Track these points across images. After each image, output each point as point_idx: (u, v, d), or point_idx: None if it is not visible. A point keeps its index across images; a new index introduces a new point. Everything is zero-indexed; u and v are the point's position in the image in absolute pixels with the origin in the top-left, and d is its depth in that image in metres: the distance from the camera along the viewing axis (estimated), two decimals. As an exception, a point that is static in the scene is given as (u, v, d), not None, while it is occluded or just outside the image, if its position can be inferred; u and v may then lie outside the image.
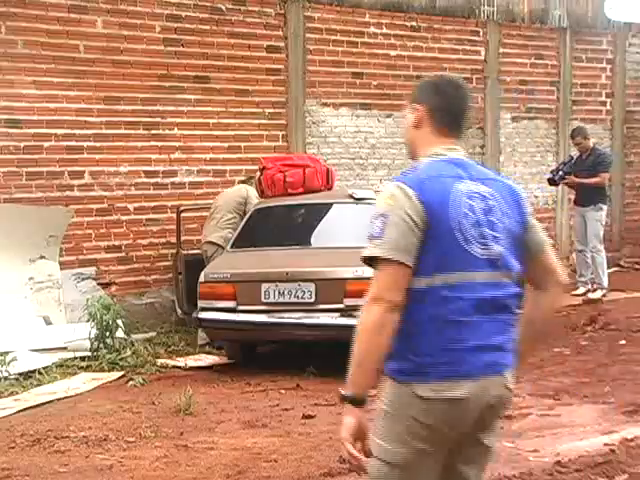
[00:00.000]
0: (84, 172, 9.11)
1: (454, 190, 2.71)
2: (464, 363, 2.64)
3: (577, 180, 10.68)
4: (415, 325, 2.63)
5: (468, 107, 2.98)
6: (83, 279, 8.96)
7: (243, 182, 9.24)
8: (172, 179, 9.67)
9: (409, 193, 2.67)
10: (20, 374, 7.19)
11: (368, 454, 2.62)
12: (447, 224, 2.67)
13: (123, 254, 9.39)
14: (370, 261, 2.72)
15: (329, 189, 8.78)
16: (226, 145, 9.91)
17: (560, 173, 10.80)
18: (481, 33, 12.29)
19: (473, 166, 2.87)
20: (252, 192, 8.80)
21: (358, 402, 2.61)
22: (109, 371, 7.48)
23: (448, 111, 2.91)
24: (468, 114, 2.98)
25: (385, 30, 11.36)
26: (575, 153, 11.13)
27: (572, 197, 11.48)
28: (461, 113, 2.96)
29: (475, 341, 2.66)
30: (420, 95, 2.92)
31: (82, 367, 7.53)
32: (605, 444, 5.25)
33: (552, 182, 11.08)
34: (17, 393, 6.87)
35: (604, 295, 10.85)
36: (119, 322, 7.86)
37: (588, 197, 10.75)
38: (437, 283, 2.65)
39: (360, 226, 8.11)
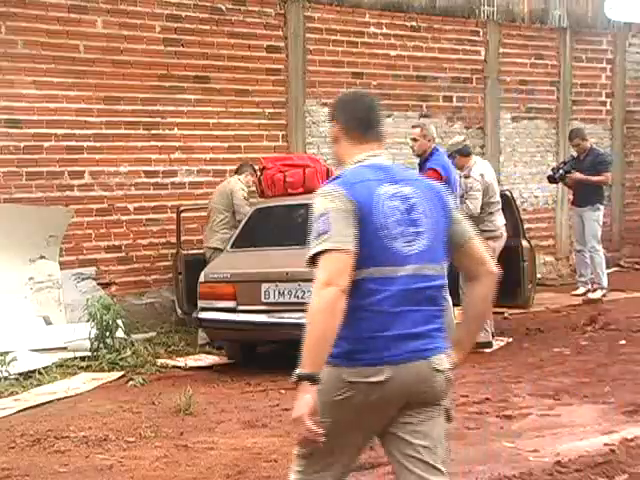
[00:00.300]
0: (84, 172, 9.11)
1: (377, 193, 2.97)
2: (388, 351, 2.88)
3: (581, 176, 10.58)
4: (345, 315, 2.83)
5: (377, 114, 3.20)
6: (83, 279, 8.96)
7: (236, 171, 9.17)
8: (172, 179, 9.68)
9: (342, 193, 2.94)
10: (20, 374, 7.19)
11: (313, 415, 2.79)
12: (372, 224, 2.93)
13: (123, 254, 9.39)
14: (316, 257, 2.89)
15: (329, 189, 8.76)
16: (226, 145, 9.91)
17: (561, 172, 10.82)
18: (481, 33, 12.29)
19: (394, 169, 3.12)
20: (237, 185, 8.78)
21: (314, 380, 2.77)
22: (109, 371, 7.48)
23: (359, 122, 3.15)
24: (379, 120, 3.20)
25: (385, 30, 11.36)
26: (575, 153, 11.14)
27: (572, 197, 11.49)
28: (371, 121, 3.17)
29: (399, 330, 2.90)
30: (334, 113, 3.23)
31: (82, 367, 7.54)
32: (605, 444, 5.24)
33: (552, 180, 11.10)
34: (17, 393, 6.87)
35: (604, 295, 10.85)
36: (119, 322, 7.86)
37: (585, 197, 10.76)
38: (363, 276, 2.90)
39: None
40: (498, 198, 8.45)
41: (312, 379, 2.76)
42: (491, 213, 8.36)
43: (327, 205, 2.93)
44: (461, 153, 8.44)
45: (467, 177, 8.33)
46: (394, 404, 2.93)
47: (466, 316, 3.22)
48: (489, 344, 8.35)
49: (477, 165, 8.49)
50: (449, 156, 8.42)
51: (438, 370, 2.96)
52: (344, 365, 2.89)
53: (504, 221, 8.44)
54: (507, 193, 9.05)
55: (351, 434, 2.98)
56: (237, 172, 9.13)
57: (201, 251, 8.91)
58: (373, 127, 3.17)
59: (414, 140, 8.07)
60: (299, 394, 2.76)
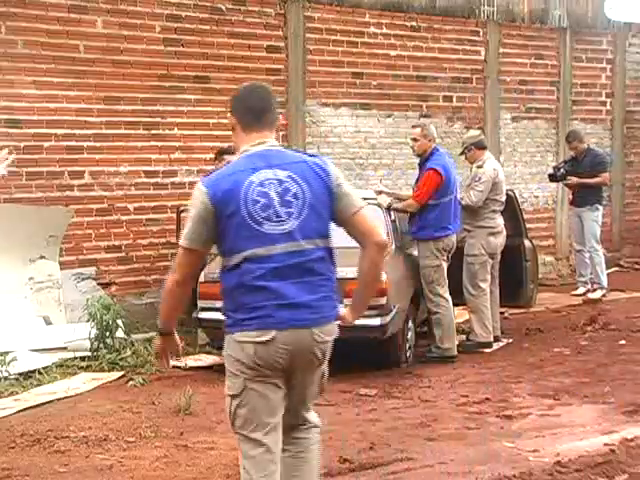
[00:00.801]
0: (84, 172, 9.10)
1: (247, 182, 3.41)
2: (272, 318, 3.38)
3: (579, 180, 10.68)
4: (230, 291, 3.45)
5: (267, 104, 3.61)
6: (83, 279, 8.95)
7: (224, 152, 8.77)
8: (172, 179, 9.67)
9: (203, 191, 3.43)
10: (20, 374, 7.19)
11: (176, 354, 3.85)
12: (238, 213, 3.38)
13: (123, 254, 9.39)
14: None
15: (329, 189, 8.75)
16: (226, 145, 9.90)
17: (562, 171, 10.85)
18: (481, 33, 12.29)
19: (274, 155, 3.51)
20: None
21: (164, 332, 3.74)
22: (109, 371, 7.47)
23: (249, 111, 3.56)
24: (269, 110, 3.60)
25: (385, 30, 11.36)
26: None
27: (571, 197, 11.49)
28: (261, 110, 3.57)
29: (280, 301, 3.38)
30: (231, 105, 3.65)
31: (82, 367, 7.53)
32: (605, 444, 5.25)
33: (553, 178, 11.14)
34: (17, 393, 6.86)
35: (604, 295, 10.86)
36: (119, 322, 7.85)
37: (584, 198, 10.80)
38: (241, 259, 3.40)
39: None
40: (503, 199, 8.47)
41: (161, 332, 3.75)
42: (494, 211, 8.37)
43: (191, 204, 3.49)
44: (477, 146, 8.49)
45: (480, 167, 8.36)
46: (281, 362, 3.42)
47: (359, 282, 3.65)
48: (489, 344, 8.37)
49: (491, 160, 8.53)
50: (465, 148, 8.49)
51: (319, 339, 3.46)
52: (236, 332, 3.44)
53: (503, 222, 8.46)
54: (510, 193, 9.06)
55: (261, 389, 3.45)
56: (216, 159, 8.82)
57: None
58: (262, 116, 3.56)
59: (414, 140, 8.10)
60: (158, 337, 3.79)
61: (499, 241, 8.38)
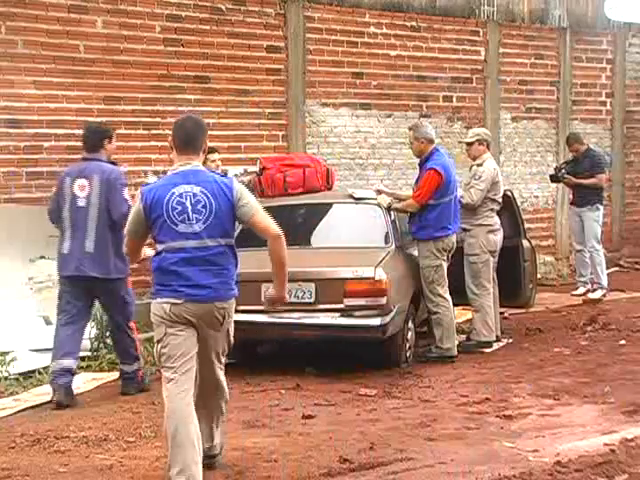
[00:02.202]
0: (84, 172, 9.09)
1: (170, 193, 4.63)
2: (183, 292, 4.60)
3: (575, 180, 10.78)
4: (154, 270, 4.70)
5: (194, 134, 4.81)
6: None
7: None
8: (172, 179, 9.66)
9: (140, 197, 4.70)
10: (20, 374, 7.19)
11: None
12: (162, 216, 4.61)
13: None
14: None
15: (329, 189, 8.77)
16: (226, 145, 9.89)
17: (563, 171, 10.88)
18: (481, 33, 12.30)
19: (192, 174, 4.72)
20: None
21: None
22: (109, 371, 7.48)
23: (180, 138, 4.80)
24: (196, 138, 4.80)
25: (385, 30, 11.36)
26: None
27: (571, 197, 11.50)
28: (188, 139, 4.79)
29: (189, 282, 4.60)
30: (172, 131, 4.90)
31: (82, 367, 7.53)
32: (605, 444, 5.24)
33: (554, 179, 11.17)
34: (17, 393, 6.87)
35: (604, 295, 10.86)
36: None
37: (585, 198, 10.83)
38: (163, 248, 4.65)
39: (360, 226, 8.18)
40: (500, 199, 8.47)
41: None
42: (492, 210, 8.37)
43: (133, 205, 4.90)
44: (481, 143, 8.47)
45: (479, 165, 8.34)
46: (189, 319, 4.61)
47: (272, 265, 4.78)
48: (490, 343, 8.37)
49: (490, 159, 8.53)
50: (477, 141, 8.46)
51: (219, 306, 4.67)
52: (158, 297, 4.65)
53: (499, 221, 8.46)
54: (508, 193, 9.06)
55: (176, 334, 4.62)
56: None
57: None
58: (189, 143, 4.77)
59: (410, 143, 8.18)
60: None
61: (498, 238, 8.39)
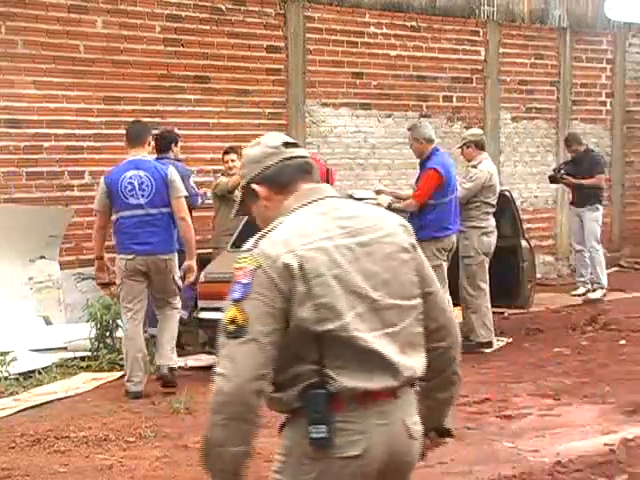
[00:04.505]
0: (84, 172, 9.11)
1: (123, 176, 6.60)
2: (135, 248, 6.59)
3: (574, 181, 10.78)
4: (114, 233, 6.76)
5: (140, 133, 6.89)
6: (83, 279, 8.94)
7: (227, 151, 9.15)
8: (172, 179, 9.67)
9: (103, 180, 6.77)
10: (20, 374, 7.19)
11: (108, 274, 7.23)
12: (117, 192, 6.60)
13: (123, 254, 9.38)
14: None
15: (329, 189, 8.76)
16: (226, 145, 9.90)
17: (562, 172, 10.89)
18: (481, 33, 12.29)
19: (139, 161, 6.68)
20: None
21: (97, 257, 6.99)
22: (109, 371, 7.47)
23: (128, 137, 6.90)
24: (142, 136, 6.83)
25: (385, 30, 11.36)
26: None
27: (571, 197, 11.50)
28: (134, 136, 6.86)
29: (138, 240, 6.60)
30: (125, 131, 7.03)
31: (82, 367, 7.53)
32: (605, 444, 5.25)
33: (554, 180, 11.17)
34: (17, 393, 6.87)
35: (604, 295, 10.86)
36: (119, 322, 7.85)
37: (584, 198, 10.83)
38: (118, 215, 6.66)
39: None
40: (495, 202, 8.45)
41: (96, 257, 7.02)
42: (486, 212, 8.36)
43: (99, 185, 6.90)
44: (477, 145, 8.48)
45: (474, 167, 8.35)
46: (140, 269, 6.62)
47: (183, 240, 6.80)
48: (489, 344, 8.36)
49: (487, 161, 8.51)
50: (464, 144, 8.47)
51: (162, 258, 6.62)
52: (120, 253, 6.66)
53: (495, 223, 8.46)
54: (506, 193, 9.05)
55: (130, 282, 6.65)
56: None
57: (203, 251, 8.87)
58: (136, 140, 6.78)
59: (410, 144, 8.20)
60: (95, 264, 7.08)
61: (492, 239, 8.38)
